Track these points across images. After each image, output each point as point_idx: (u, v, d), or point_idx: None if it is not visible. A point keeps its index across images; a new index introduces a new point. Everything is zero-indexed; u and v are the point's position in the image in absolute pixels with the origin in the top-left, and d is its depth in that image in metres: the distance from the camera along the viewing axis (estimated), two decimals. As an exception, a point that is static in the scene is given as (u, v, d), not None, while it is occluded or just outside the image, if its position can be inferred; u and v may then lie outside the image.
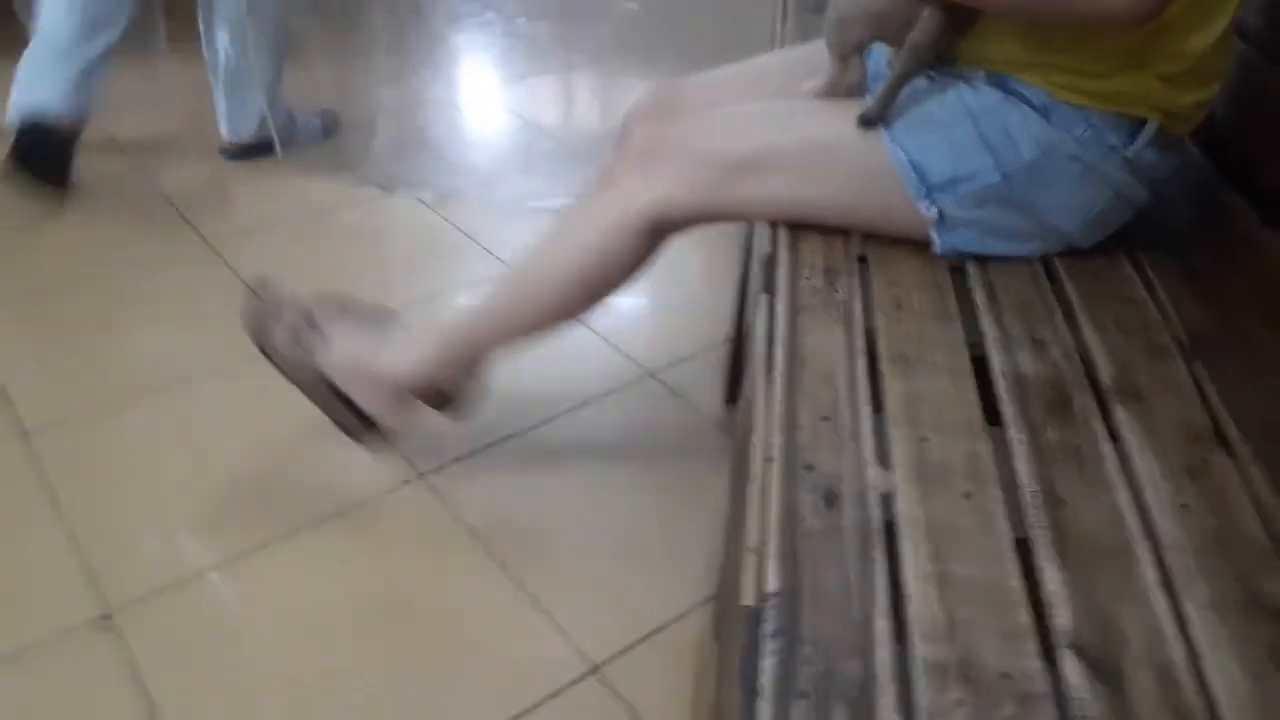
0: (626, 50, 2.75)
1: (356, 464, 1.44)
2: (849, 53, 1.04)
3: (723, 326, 1.74)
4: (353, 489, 1.39)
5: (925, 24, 0.97)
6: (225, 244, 1.91)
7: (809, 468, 0.75)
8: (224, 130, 2.14)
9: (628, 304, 1.83)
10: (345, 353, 1.25)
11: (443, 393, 1.30)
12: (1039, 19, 0.94)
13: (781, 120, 1.06)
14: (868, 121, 1.00)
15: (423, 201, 2.10)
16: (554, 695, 1.13)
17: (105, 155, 2.24)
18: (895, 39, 1.00)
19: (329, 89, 2.25)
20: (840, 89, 1.05)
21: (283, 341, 1.26)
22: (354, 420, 1.29)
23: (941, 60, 1.01)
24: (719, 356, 1.66)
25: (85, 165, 2.20)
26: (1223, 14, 0.91)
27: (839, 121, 1.01)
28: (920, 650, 0.63)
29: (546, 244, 1.17)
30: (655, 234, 1.11)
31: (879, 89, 1.01)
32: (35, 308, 1.75)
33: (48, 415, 1.50)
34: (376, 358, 1.24)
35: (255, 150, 2.13)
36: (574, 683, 1.14)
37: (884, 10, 1.00)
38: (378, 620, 1.23)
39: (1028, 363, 0.88)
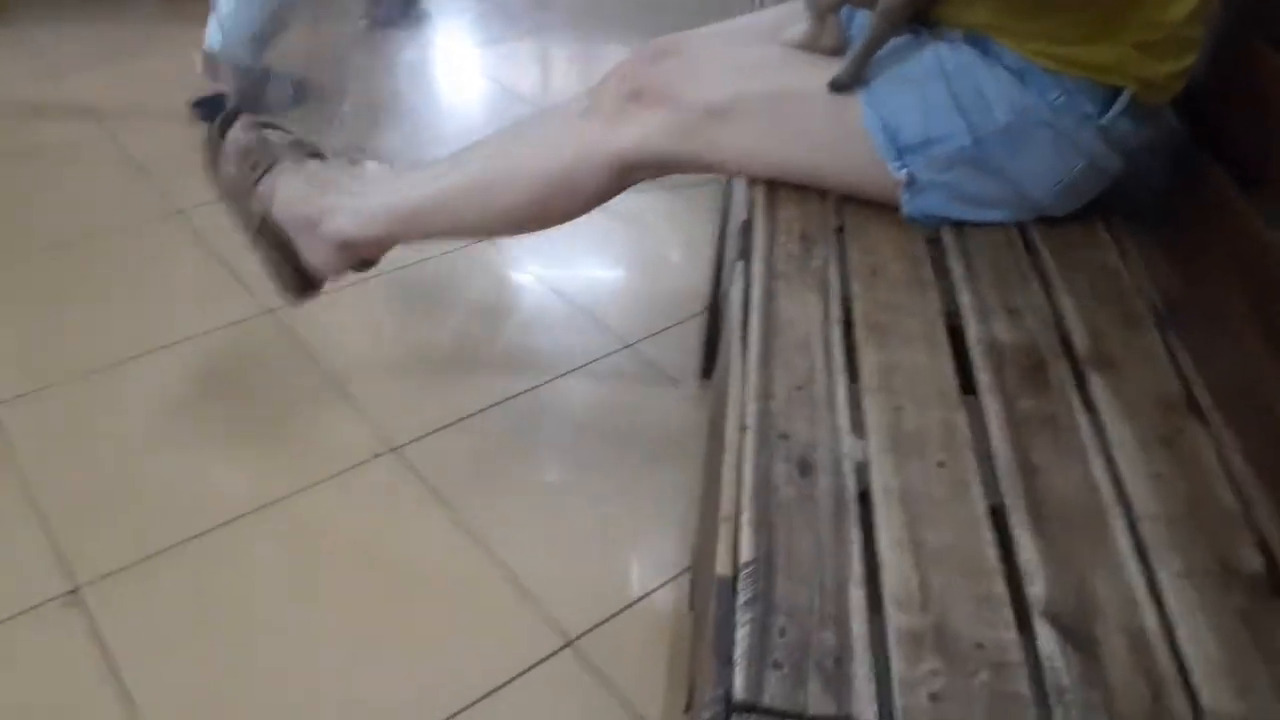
0: (604, 14, 2.71)
1: (332, 435, 1.43)
2: (824, 12, 1.03)
3: (700, 299, 1.73)
4: (328, 460, 1.38)
5: None
6: (195, 212, 1.88)
7: (784, 436, 0.75)
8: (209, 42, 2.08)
9: (605, 275, 1.82)
10: (295, 203, 1.25)
11: (373, 256, 1.32)
12: None
13: (759, 70, 1.05)
14: (839, 86, 0.99)
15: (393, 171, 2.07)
16: (529, 669, 1.12)
17: (76, 120, 2.20)
18: (869, 2, 0.99)
19: (297, 54, 2.20)
20: (817, 47, 1.04)
21: (234, 178, 1.26)
22: (291, 274, 1.29)
23: (921, 22, 1.00)
24: (696, 328, 1.65)
25: (54, 130, 2.16)
26: None
27: (817, 75, 1.00)
28: (895, 619, 0.62)
29: (517, 153, 1.17)
30: (624, 174, 1.11)
31: (851, 53, 1.00)
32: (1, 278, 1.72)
33: (13, 388, 1.47)
34: (326, 214, 1.24)
35: (218, 105, 2.08)
36: (549, 656, 1.14)
37: None
38: (351, 594, 1.22)
39: (1003, 331, 0.87)
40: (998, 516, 0.70)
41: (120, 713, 1.07)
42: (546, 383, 1.54)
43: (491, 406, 1.49)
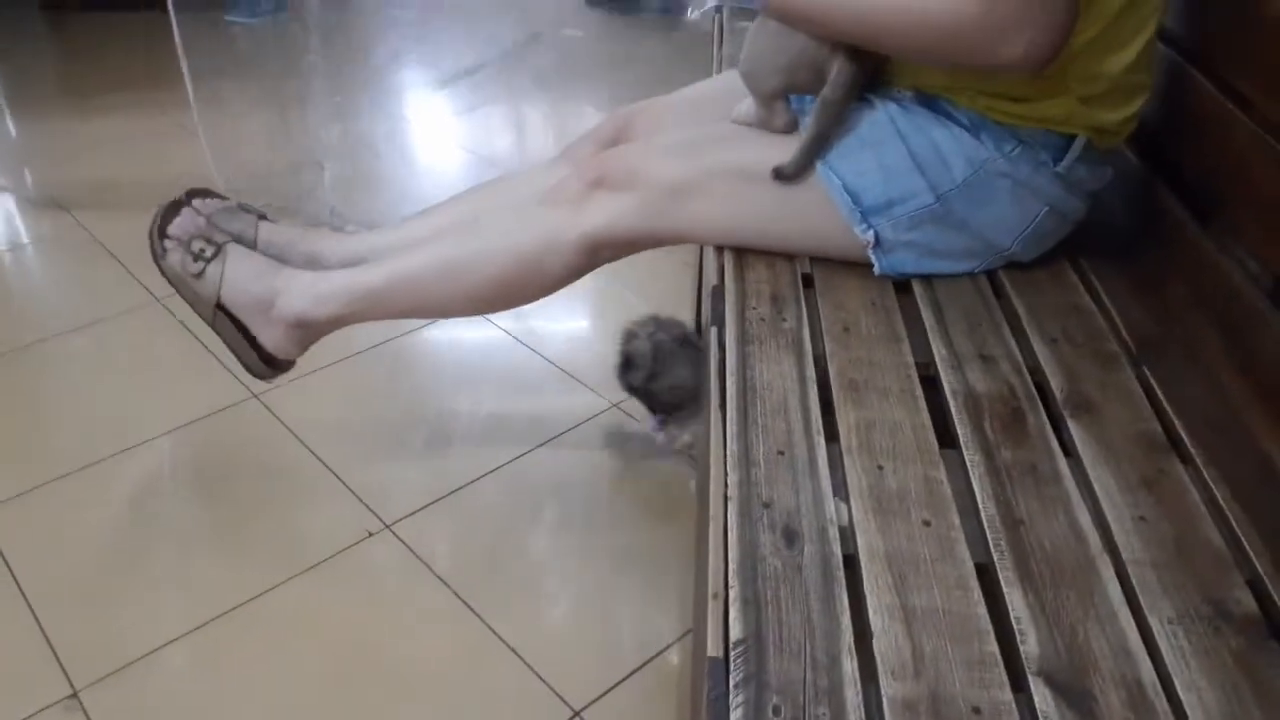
0: (571, 77, 2.75)
1: (324, 517, 1.42)
2: (770, 100, 1.04)
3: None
4: (320, 542, 1.37)
5: (835, 79, 0.97)
6: (173, 296, 1.88)
7: (767, 505, 0.75)
8: None
9: (584, 334, 1.82)
10: (246, 284, 1.25)
11: (325, 334, 1.31)
12: (940, 65, 0.95)
13: (717, 145, 1.07)
14: (783, 177, 1.00)
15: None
16: (535, 744, 1.11)
17: (46, 212, 2.21)
18: (809, 88, 1.00)
19: (275, 133, 2.22)
20: (769, 128, 1.05)
21: (178, 263, 1.26)
22: (253, 355, 1.28)
23: (871, 85, 1.02)
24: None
25: (26, 224, 2.18)
26: (1141, 33, 0.92)
27: (773, 148, 1.01)
28: (889, 689, 0.62)
29: (482, 237, 1.18)
30: (593, 255, 1.12)
31: (799, 146, 1.00)
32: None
33: (2, 491, 1.46)
34: (279, 295, 1.24)
35: None
36: (554, 730, 1.13)
37: (791, 63, 1.00)
38: (351, 676, 1.20)
39: (978, 381, 0.88)
40: (986, 574, 0.69)
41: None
42: (535, 449, 1.54)
43: (482, 477, 1.49)
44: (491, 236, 1.17)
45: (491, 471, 1.49)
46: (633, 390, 1.42)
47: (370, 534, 1.39)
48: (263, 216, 1.37)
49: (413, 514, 1.42)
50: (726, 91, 1.18)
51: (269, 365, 1.30)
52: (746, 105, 1.06)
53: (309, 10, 2.28)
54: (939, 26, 0.87)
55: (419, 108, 2.80)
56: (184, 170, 2.13)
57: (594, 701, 1.16)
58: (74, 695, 1.17)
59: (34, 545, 1.38)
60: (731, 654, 0.64)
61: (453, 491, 1.46)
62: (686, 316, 1.65)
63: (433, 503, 1.44)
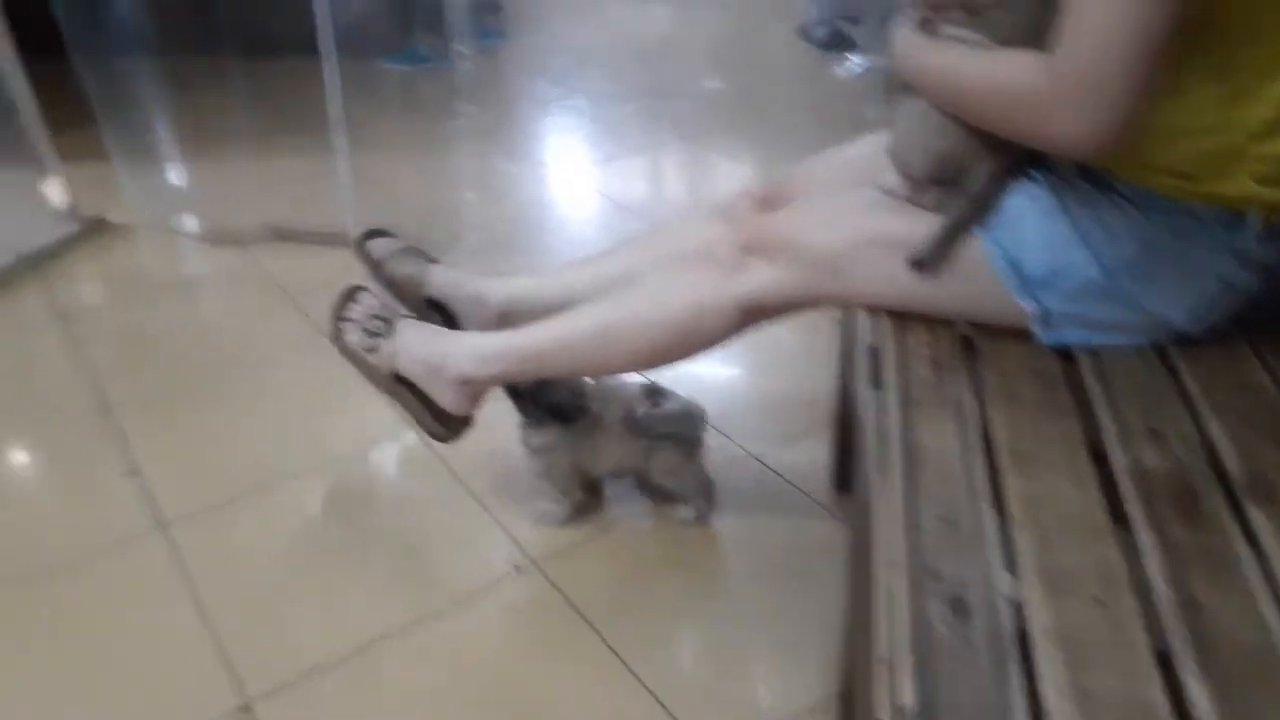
0: (713, 128, 2.80)
1: (473, 552, 1.48)
2: (917, 183, 1.04)
3: (825, 407, 1.75)
4: (469, 577, 1.43)
5: (976, 172, 0.98)
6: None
7: (935, 574, 0.76)
8: None
9: (729, 387, 1.85)
10: (417, 350, 1.34)
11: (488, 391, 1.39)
12: (1012, 136, 0.95)
13: (871, 214, 1.07)
14: (920, 265, 1.00)
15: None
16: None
17: (222, 247, 2.38)
18: (953, 179, 1.01)
19: (426, 176, 2.34)
20: (918, 205, 1.05)
21: (355, 341, 1.36)
22: (430, 419, 1.37)
23: (1031, 164, 1.01)
24: (824, 438, 1.67)
25: (205, 259, 2.35)
26: None
27: (919, 217, 1.02)
28: (1064, 770, 0.62)
29: (637, 301, 1.23)
30: (747, 319, 1.15)
31: (934, 233, 1.00)
32: (167, 400, 1.85)
33: (185, 505, 1.58)
34: (447, 358, 1.32)
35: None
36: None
37: (938, 152, 1.00)
38: (496, 710, 1.25)
39: (1150, 457, 0.87)
40: (1164, 661, 0.69)
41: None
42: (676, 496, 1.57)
43: (624, 522, 1.53)
44: (647, 301, 1.22)
45: (636, 516, 1.53)
46: (515, 395, 1.44)
47: (518, 569, 1.45)
48: (432, 260, 1.46)
49: (559, 553, 1.47)
50: (873, 154, 1.19)
51: (446, 425, 1.38)
52: (894, 177, 1.07)
53: (463, 59, 2.40)
54: (1010, 95, 0.89)
55: (561, 155, 2.90)
56: (331, 204, 2.27)
57: (735, 753, 1.18)
58: (246, 706, 1.26)
59: (212, 559, 1.48)
60: (902, 723, 0.65)
61: (597, 533, 1.50)
62: (829, 368, 1.66)
63: (580, 543, 1.49)
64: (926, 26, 1.00)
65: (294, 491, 1.62)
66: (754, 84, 2.83)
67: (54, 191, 2.41)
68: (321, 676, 1.29)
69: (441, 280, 1.47)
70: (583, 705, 1.25)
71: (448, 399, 1.35)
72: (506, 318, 1.48)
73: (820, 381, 1.81)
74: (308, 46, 2.17)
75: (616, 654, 1.31)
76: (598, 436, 1.45)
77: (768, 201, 1.30)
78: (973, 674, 0.68)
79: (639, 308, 1.21)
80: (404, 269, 1.47)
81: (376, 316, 1.37)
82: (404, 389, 1.35)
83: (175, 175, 2.62)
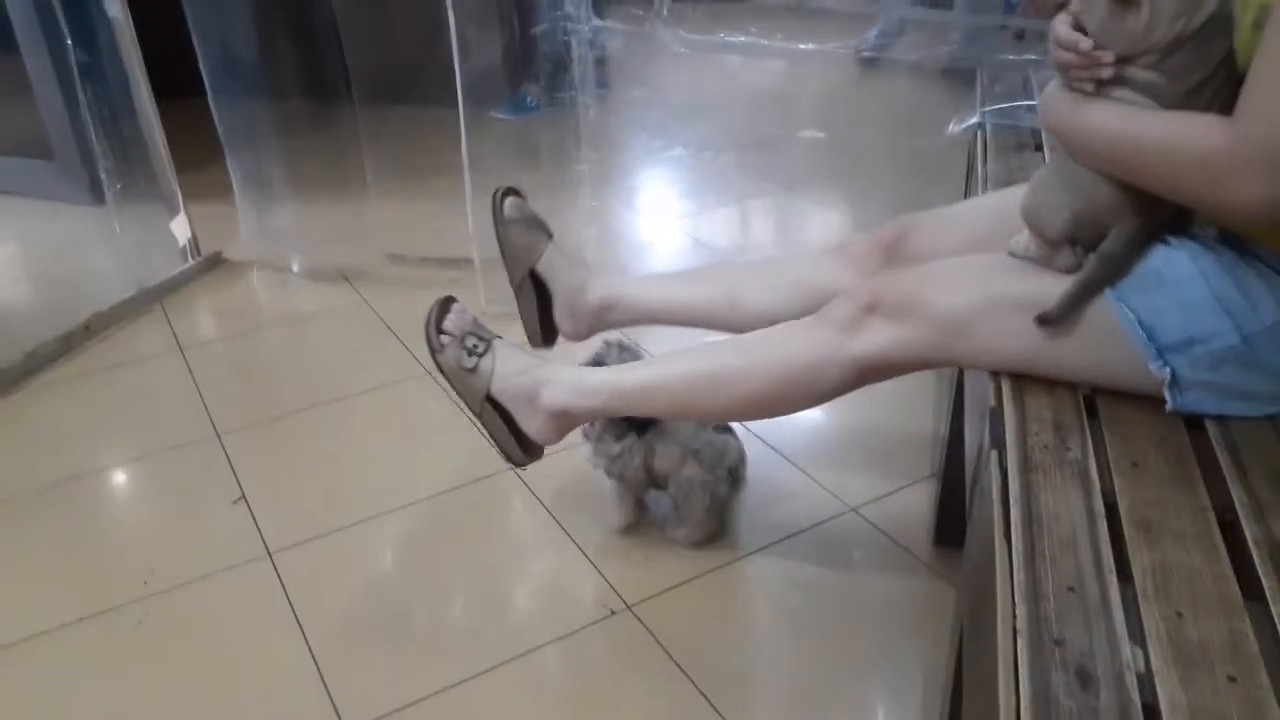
0: (812, 179, 2.82)
1: (567, 592, 1.50)
2: (1052, 243, 1.03)
3: (925, 460, 1.73)
4: (562, 617, 1.44)
5: (1117, 234, 0.97)
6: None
7: (1058, 642, 0.74)
8: None
9: (829, 437, 1.84)
10: (513, 377, 1.34)
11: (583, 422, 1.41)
12: (1184, 199, 0.94)
13: (997, 275, 1.06)
14: (1048, 322, 0.99)
15: (624, 334, 2.20)
16: None
17: (331, 284, 2.47)
18: (1091, 242, 1.00)
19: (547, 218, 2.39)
20: (1052, 267, 1.03)
21: (454, 357, 1.35)
22: (514, 443, 1.37)
23: (1170, 230, 1.00)
24: (922, 491, 1.65)
25: (314, 295, 2.44)
26: None
27: (1056, 280, 1.01)
28: None
29: (751, 351, 1.23)
30: (861, 378, 1.15)
31: (1065, 291, 0.99)
32: (273, 431, 1.92)
33: (288, 535, 1.63)
34: (543, 386, 1.33)
35: None
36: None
37: (1078, 213, 0.99)
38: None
39: (1284, 531, 0.84)
40: (1302, 743, 0.66)
41: None
42: (771, 545, 1.57)
43: (718, 569, 1.53)
44: (760, 352, 1.22)
45: (730, 564, 1.53)
46: None
47: (612, 612, 1.45)
48: (551, 235, 1.53)
49: (653, 597, 1.47)
50: (1004, 210, 1.19)
51: (526, 452, 1.39)
52: (1025, 239, 1.06)
53: (587, 108, 2.46)
54: (1187, 156, 0.87)
55: (662, 206, 2.94)
56: (457, 255, 2.34)
57: (830, 811, 1.16)
58: (345, 736, 1.29)
59: (314, 589, 1.52)
60: (1028, 793, 0.64)
61: (691, 579, 1.50)
62: (929, 420, 1.65)
63: (673, 588, 1.49)
64: (1080, 87, 0.99)
65: (393, 525, 1.66)
66: (856, 135, 2.85)
67: (179, 228, 2.53)
68: (415, 710, 1.31)
69: (551, 258, 1.51)
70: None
71: (535, 426, 1.35)
72: (601, 314, 1.51)
73: (918, 431, 1.80)
74: (427, 95, 2.25)
75: (708, 699, 1.30)
76: (659, 441, 1.51)
77: (893, 246, 1.31)
78: (1101, 747, 0.66)
79: (752, 360, 1.21)
80: (524, 237, 1.50)
81: (473, 334, 1.37)
82: (494, 411, 1.35)
83: (293, 214, 2.73)
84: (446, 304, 1.40)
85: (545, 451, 1.42)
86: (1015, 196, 1.21)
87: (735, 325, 1.37)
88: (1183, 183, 0.91)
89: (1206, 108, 0.91)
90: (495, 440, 1.38)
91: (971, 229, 1.23)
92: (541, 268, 1.51)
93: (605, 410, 1.36)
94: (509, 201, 1.52)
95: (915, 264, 1.26)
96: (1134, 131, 0.93)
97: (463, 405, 1.37)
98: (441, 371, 1.37)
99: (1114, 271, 0.98)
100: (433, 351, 1.37)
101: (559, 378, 1.34)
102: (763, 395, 1.21)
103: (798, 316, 1.28)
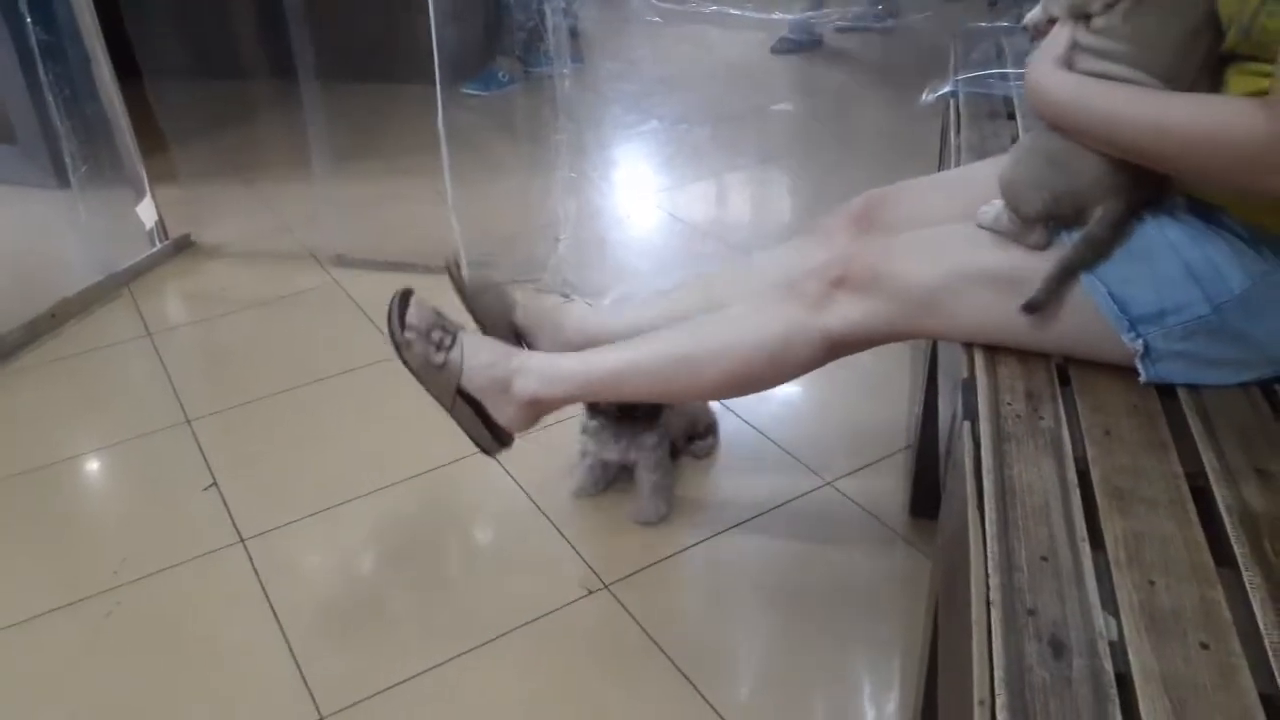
0: (786, 152, 2.80)
1: (544, 573, 1.49)
2: (1028, 220, 1.01)
3: (900, 433, 1.73)
4: (540, 598, 1.44)
5: (1103, 217, 0.96)
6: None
7: (1031, 612, 0.74)
8: None
9: (804, 412, 1.84)
10: (484, 368, 1.31)
11: (552, 411, 1.36)
12: (1222, 184, 0.92)
13: (967, 247, 1.05)
14: (1031, 308, 0.98)
15: (596, 309, 2.19)
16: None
17: (301, 267, 2.44)
18: (1068, 221, 0.99)
19: (516, 203, 2.37)
20: (1022, 243, 1.02)
21: (421, 354, 1.30)
22: (486, 433, 1.34)
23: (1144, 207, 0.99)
24: (898, 464, 1.65)
25: (284, 278, 2.41)
26: None
27: (1030, 253, 1.00)
28: (1172, 820, 0.60)
29: (719, 330, 1.22)
30: (832, 352, 1.14)
31: (1048, 275, 0.97)
32: (243, 416, 1.90)
33: (260, 521, 1.61)
34: (515, 375, 1.31)
35: None
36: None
37: (1059, 192, 0.98)
38: (570, 734, 1.25)
39: (1254, 497, 0.84)
40: (1272, 707, 0.66)
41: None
42: (747, 520, 1.56)
43: (694, 546, 1.52)
44: (729, 330, 1.20)
45: (703, 541, 1.53)
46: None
47: (590, 592, 1.45)
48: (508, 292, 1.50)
49: (630, 576, 1.47)
50: (974, 182, 1.18)
51: (498, 440, 1.36)
52: (994, 212, 1.04)
53: (539, 84, 2.43)
54: (1219, 143, 0.85)
55: (638, 180, 2.92)
56: (431, 234, 2.31)
57: (809, 785, 1.16)
58: (320, 720, 1.28)
59: (287, 575, 1.51)
60: (1001, 764, 0.63)
61: (668, 556, 1.50)
62: (905, 394, 1.64)
63: (648, 566, 1.48)
64: (1068, 57, 0.97)
65: (368, 509, 1.64)
66: (830, 107, 2.83)
67: (145, 211, 2.49)
68: (393, 694, 1.30)
69: (524, 307, 1.49)
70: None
71: (507, 416, 1.33)
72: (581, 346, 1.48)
73: (894, 404, 1.80)
74: (394, 72, 2.22)
75: (686, 677, 1.30)
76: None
77: (862, 219, 1.29)
78: (1072, 716, 0.66)
79: (723, 337, 1.20)
80: (492, 302, 1.47)
81: (438, 327, 1.32)
82: (466, 405, 1.33)
83: (258, 197, 2.69)
84: (406, 297, 1.33)
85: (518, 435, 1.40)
86: (985, 170, 1.20)
87: None
88: (1214, 168, 0.89)
89: (1199, 75, 0.89)
90: (467, 431, 1.36)
91: (942, 202, 1.21)
92: (519, 317, 1.49)
93: (578, 396, 1.34)
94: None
95: (886, 236, 1.25)
96: (1155, 117, 0.90)
97: (433, 401, 1.34)
98: (408, 368, 1.32)
99: (1097, 254, 0.97)
100: (398, 349, 1.31)
101: (529, 366, 1.32)
102: (736, 373, 1.20)
103: None
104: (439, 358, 1.30)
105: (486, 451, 1.37)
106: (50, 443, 1.83)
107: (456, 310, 1.42)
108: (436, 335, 1.32)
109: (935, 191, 1.26)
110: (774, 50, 3.60)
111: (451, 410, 1.33)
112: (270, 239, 2.61)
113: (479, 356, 1.32)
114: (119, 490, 1.77)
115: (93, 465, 1.81)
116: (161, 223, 2.53)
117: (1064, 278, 0.97)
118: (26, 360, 2.10)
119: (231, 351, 2.15)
